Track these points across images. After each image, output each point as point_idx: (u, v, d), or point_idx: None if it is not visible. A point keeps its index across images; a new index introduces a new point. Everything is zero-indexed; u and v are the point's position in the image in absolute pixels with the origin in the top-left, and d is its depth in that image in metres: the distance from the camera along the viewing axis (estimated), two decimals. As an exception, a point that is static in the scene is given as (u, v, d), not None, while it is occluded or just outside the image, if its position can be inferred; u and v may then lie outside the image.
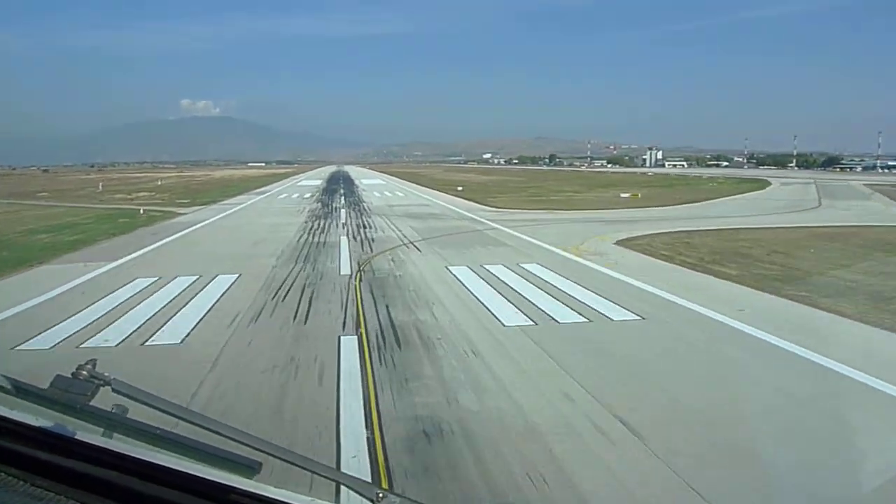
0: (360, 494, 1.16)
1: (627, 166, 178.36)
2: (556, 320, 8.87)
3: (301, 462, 1.18)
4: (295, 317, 9.19)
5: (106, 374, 1.20)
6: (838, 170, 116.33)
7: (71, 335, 8.12)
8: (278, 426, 5.34)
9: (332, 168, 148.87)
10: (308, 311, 9.50)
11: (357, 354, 7.41)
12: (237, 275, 12.49)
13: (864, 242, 17.49)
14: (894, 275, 12.60)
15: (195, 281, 11.88)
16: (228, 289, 11.24)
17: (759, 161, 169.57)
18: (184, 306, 9.87)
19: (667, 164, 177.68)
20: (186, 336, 8.20)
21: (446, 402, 5.90)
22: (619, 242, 17.05)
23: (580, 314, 9.18)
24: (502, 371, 6.78)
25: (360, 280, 12.01)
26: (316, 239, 18.34)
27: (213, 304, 10.01)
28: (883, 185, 52.56)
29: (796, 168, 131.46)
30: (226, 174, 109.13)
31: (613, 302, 9.88)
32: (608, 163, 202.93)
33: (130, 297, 10.54)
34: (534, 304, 9.84)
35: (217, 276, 12.43)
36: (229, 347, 7.69)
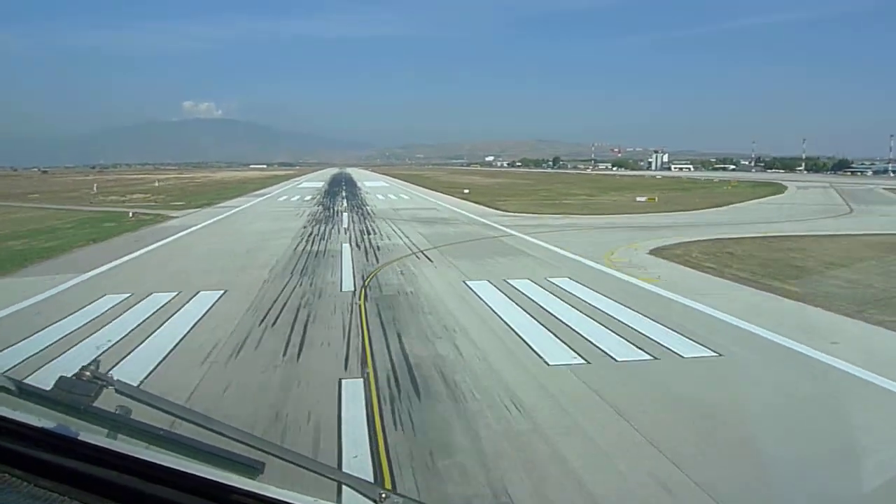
0: (363, 495, 1.16)
1: (633, 169, 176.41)
2: (611, 357, 7.07)
3: (303, 462, 1.18)
4: (286, 350, 7.41)
5: (109, 374, 1.19)
6: (849, 174, 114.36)
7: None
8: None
9: (334, 170, 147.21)
10: (302, 342, 7.72)
11: (363, 409, 5.64)
12: (222, 291, 10.74)
13: (927, 253, 15.69)
14: None
15: (172, 299, 10.13)
16: (209, 309, 9.48)
17: (766, 164, 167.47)
18: (152, 333, 8.12)
19: (673, 167, 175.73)
20: (146, 377, 6.46)
21: (494, 500, 4.12)
22: (653, 252, 15.26)
23: (639, 348, 7.38)
24: (561, 439, 5.00)
25: (365, 298, 10.23)
26: (315, 247, 16.57)
27: (188, 331, 8.24)
28: (904, 188, 50.65)
29: (805, 171, 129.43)
30: (226, 176, 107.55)
31: (674, 331, 8.09)
32: (613, 166, 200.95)
33: (91, 320, 8.79)
34: (578, 334, 8.05)
35: (199, 292, 10.68)
36: (198, 396, 5.93)
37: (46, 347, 7.39)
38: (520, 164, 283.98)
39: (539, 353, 7.20)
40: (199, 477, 1.10)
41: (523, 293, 10.50)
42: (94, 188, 53.93)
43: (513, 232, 19.60)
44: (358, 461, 4.63)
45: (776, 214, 27.95)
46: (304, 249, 16.05)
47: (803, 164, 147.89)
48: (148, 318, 8.93)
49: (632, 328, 8.26)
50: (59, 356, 7.06)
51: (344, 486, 1.19)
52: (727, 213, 28.80)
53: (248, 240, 18.24)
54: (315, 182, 70.02)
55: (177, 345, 7.61)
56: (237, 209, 31.19)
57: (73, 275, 12.31)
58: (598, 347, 7.39)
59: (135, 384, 1.21)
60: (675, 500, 4.12)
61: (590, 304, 9.73)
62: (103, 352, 7.23)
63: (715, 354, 7.15)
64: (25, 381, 1.20)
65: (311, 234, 19.75)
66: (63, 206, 35.13)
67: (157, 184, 66.90)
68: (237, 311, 9.29)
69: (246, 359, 7.13)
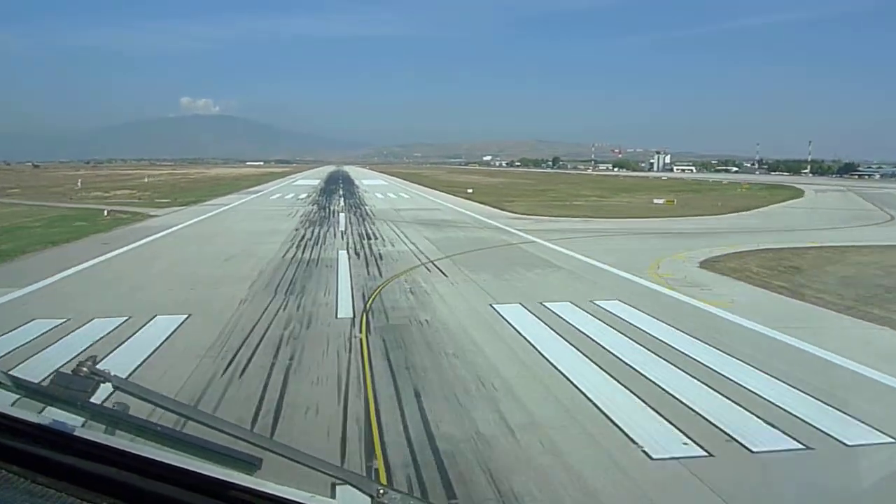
0: (360, 490, 1.15)
1: (633, 170, 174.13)
2: (743, 446, 4.72)
3: (301, 458, 1.17)
4: (253, 422, 5.08)
5: (106, 370, 1.18)
6: (856, 177, 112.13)
7: None
8: None
9: (331, 168, 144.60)
10: (278, 409, 5.38)
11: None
12: (185, 316, 8.42)
13: None
14: None
15: (117, 328, 7.82)
16: (160, 346, 7.15)
17: (770, 167, 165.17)
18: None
19: (675, 168, 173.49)
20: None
21: None
22: (704, 265, 12.98)
23: (771, 425, 5.05)
24: None
25: (368, 330, 7.91)
26: (307, 254, 14.22)
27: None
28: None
29: (811, 174, 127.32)
30: (221, 172, 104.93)
31: (802, 391, 5.80)
32: (614, 166, 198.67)
33: (-4, 360, 6.44)
34: (670, 396, 5.73)
35: (154, 317, 8.37)
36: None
37: None
38: (518, 163, 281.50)
39: (629, 434, 4.88)
40: (196, 473, 1.09)
41: (571, 324, 8.19)
42: (79, 183, 51.45)
43: (531, 238, 17.29)
44: None
45: (810, 220, 25.72)
46: (293, 257, 13.70)
47: (809, 167, 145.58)
48: (74, 356, 6.57)
49: (741, 386, 5.95)
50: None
51: (341, 482, 1.18)
52: (756, 217, 26.54)
53: (232, 244, 15.88)
54: (311, 180, 67.53)
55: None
56: (225, 207, 28.80)
57: (7, 290, 9.97)
58: (712, 423, 5.06)
59: None
60: None
61: (666, 343, 7.41)
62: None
63: (890, 439, 4.84)
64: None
65: (303, 237, 17.40)
66: (40, 203, 32.72)
67: (146, 179, 64.42)
68: (196, 350, 6.95)
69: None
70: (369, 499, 1.12)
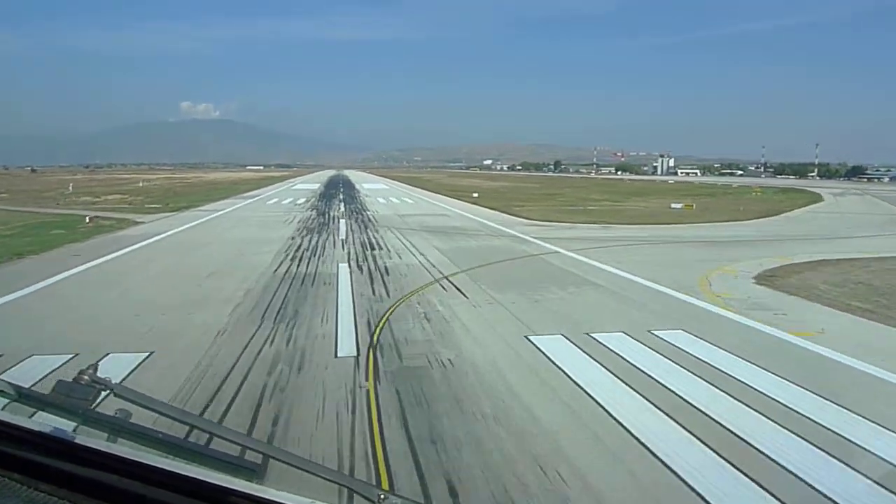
0: (362, 496, 1.16)
1: (637, 173, 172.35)
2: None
3: (302, 464, 1.18)
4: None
5: (107, 378, 1.18)
6: (865, 180, 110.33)
7: None
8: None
9: (331, 172, 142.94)
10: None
11: None
12: (146, 354, 6.67)
13: None
14: None
15: (56, 369, 6.05)
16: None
17: (776, 170, 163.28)
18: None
19: (679, 171, 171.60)
20: None
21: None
22: (761, 281, 11.23)
23: None
24: None
25: (377, 376, 6.14)
26: (302, 268, 12.47)
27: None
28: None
29: (818, 178, 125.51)
30: (218, 176, 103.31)
31: None
32: (617, 170, 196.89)
33: None
34: (803, 483, 3.98)
35: (107, 355, 6.64)
36: None
37: None
38: (520, 167, 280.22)
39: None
40: (198, 479, 1.08)
41: (635, 366, 6.42)
42: (70, 188, 49.81)
43: (552, 247, 15.54)
44: None
45: (844, 226, 23.95)
46: (287, 272, 11.94)
47: (816, 170, 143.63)
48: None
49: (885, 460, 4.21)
50: None
51: (343, 488, 1.18)
52: (786, 223, 24.80)
53: (218, 256, 14.13)
54: (310, 184, 65.78)
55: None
56: (219, 213, 27.07)
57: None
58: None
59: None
60: None
61: (764, 394, 5.63)
62: None
63: None
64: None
65: (299, 247, 15.64)
66: (24, 208, 31.06)
67: (141, 184, 62.72)
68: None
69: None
70: None
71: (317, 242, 16.68)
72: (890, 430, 4.88)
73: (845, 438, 4.71)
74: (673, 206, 32.20)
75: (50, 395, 1.16)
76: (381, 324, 8.08)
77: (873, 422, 5.03)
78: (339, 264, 12.98)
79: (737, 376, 6.16)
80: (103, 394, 1.17)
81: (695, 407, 5.37)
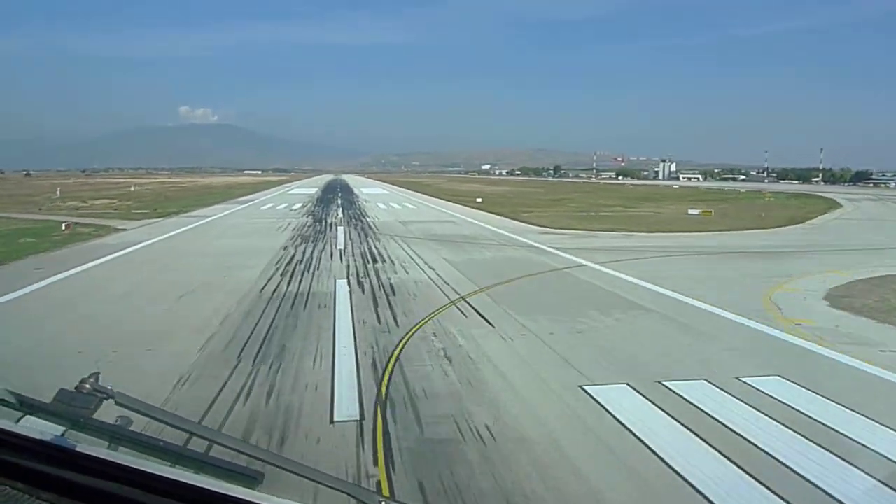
0: (362, 502, 1.16)
1: (637, 178, 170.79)
2: None
3: (303, 471, 1.18)
4: None
5: (109, 387, 1.17)
6: (871, 185, 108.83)
7: None
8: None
9: (329, 176, 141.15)
10: None
11: None
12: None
13: None
14: None
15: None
16: None
17: (779, 175, 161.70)
18: None
19: (681, 176, 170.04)
20: None
21: None
22: (836, 303, 9.50)
23: None
24: None
25: (389, 456, 4.36)
26: (294, 286, 10.70)
27: None
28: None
29: (822, 183, 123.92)
30: (214, 181, 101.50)
31: None
32: (617, 175, 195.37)
33: None
34: None
35: (24, 417, 4.77)
36: None
37: None
38: (519, 172, 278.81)
39: None
40: (199, 487, 1.09)
41: (739, 434, 4.67)
42: (58, 192, 47.95)
43: (576, 258, 13.81)
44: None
45: (883, 235, 22.25)
46: (276, 292, 10.17)
47: (820, 175, 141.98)
48: None
49: None
50: None
51: (343, 495, 1.17)
52: (818, 232, 23.05)
53: (199, 270, 12.36)
54: (307, 188, 63.98)
55: None
56: (208, 219, 25.29)
57: None
58: None
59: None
60: None
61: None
62: None
63: None
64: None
65: (291, 259, 13.88)
66: (2, 214, 29.25)
67: (133, 188, 60.93)
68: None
69: None
70: None
71: (312, 253, 14.92)
72: None
73: None
74: (690, 212, 30.51)
75: (52, 404, 1.16)
76: (389, 367, 6.31)
77: None
78: (337, 280, 11.23)
79: (878, 449, 4.43)
80: (105, 403, 1.15)
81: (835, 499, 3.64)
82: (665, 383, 5.79)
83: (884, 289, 10.64)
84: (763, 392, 5.61)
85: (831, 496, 3.75)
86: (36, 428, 1.16)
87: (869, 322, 8.38)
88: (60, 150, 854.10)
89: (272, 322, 8.13)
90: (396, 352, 6.81)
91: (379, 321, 8.23)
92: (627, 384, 5.78)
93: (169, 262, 13.57)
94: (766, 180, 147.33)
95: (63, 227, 20.39)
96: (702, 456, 4.35)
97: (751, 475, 4.01)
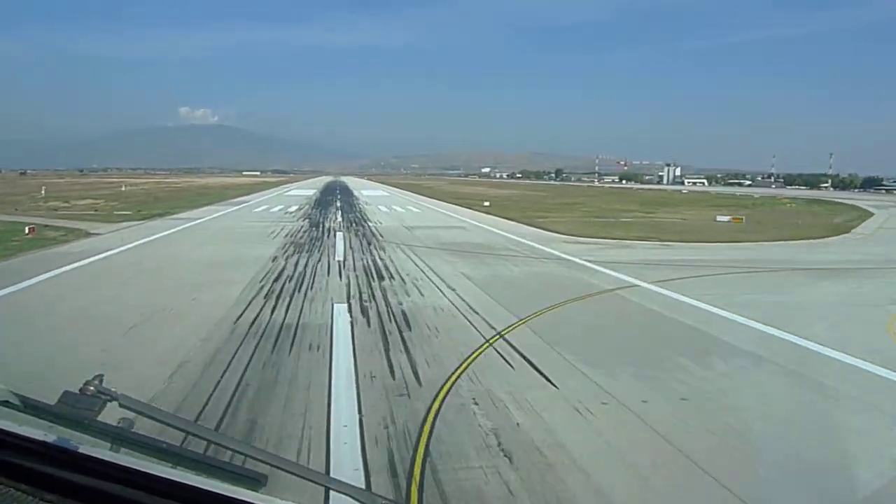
0: None
1: (641, 182, 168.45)
2: None
3: (306, 474, 1.18)
4: None
5: (113, 389, 1.16)
6: (884, 191, 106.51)
7: None
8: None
9: (328, 178, 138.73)
10: None
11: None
12: None
13: None
14: None
15: None
16: None
17: (786, 180, 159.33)
18: None
19: (686, 181, 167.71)
20: None
21: None
22: None
23: None
24: None
25: None
26: (279, 314, 8.34)
27: None
28: None
29: (832, 189, 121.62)
30: (210, 181, 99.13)
31: None
32: (621, 179, 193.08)
33: None
34: None
35: None
36: None
37: None
38: (520, 175, 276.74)
39: None
40: (202, 489, 1.08)
41: None
42: (43, 191, 45.61)
43: (623, 276, 11.50)
44: None
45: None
46: (254, 322, 7.81)
47: (829, 181, 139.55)
48: None
49: None
50: None
51: (345, 497, 1.15)
52: (873, 243, 20.70)
53: (164, 289, 10.01)
54: (305, 190, 61.62)
55: None
56: (194, 223, 22.94)
57: None
58: None
59: None
60: None
61: None
62: None
63: None
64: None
65: (280, 274, 11.53)
66: (-27, 214, 26.93)
67: (123, 188, 58.60)
68: None
69: None
70: None
71: (305, 266, 12.58)
72: None
73: None
74: (719, 219, 28.20)
75: (56, 406, 1.15)
76: (416, 472, 3.96)
77: None
78: (335, 305, 8.89)
79: None
80: (108, 405, 1.14)
81: None
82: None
83: None
84: None
85: None
86: (39, 430, 1.15)
87: None
88: (60, 150, 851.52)
89: (242, 376, 5.78)
90: (424, 438, 4.47)
91: (393, 374, 5.88)
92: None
93: (133, 277, 11.24)
94: (773, 185, 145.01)
95: (26, 231, 18.04)
96: None
97: None
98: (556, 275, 12.06)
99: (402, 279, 11.20)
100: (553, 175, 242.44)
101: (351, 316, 8.25)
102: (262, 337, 7.12)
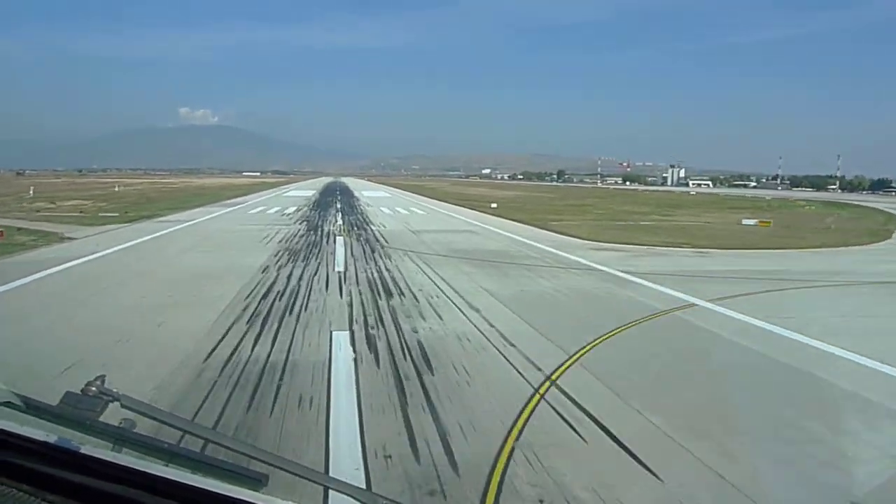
0: None
1: (644, 184, 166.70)
2: None
3: (306, 474, 1.16)
4: None
5: (115, 389, 1.14)
6: (894, 194, 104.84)
7: None
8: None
9: (328, 179, 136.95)
10: None
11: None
12: None
13: None
14: None
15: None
16: None
17: (793, 182, 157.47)
18: None
19: (691, 182, 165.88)
20: None
21: None
22: None
23: None
24: None
25: None
26: (262, 347, 6.56)
27: None
28: None
29: (840, 191, 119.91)
30: (208, 182, 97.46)
31: None
32: (624, 180, 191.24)
33: None
34: None
35: None
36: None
37: None
38: (521, 176, 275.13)
39: None
40: (203, 490, 1.07)
41: None
42: (31, 191, 43.92)
43: (674, 293, 9.76)
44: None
45: None
46: (229, 361, 6.03)
47: (837, 183, 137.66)
48: None
49: None
50: None
51: (346, 497, 1.14)
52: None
53: (128, 309, 8.26)
54: (304, 191, 59.90)
55: None
56: (181, 226, 21.17)
57: None
58: None
59: None
60: None
61: None
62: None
63: None
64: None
65: (269, 290, 9.76)
66: (-52, 216, 25.22)
67: (116, 189, 56.90)
68: None
69: None
70: None
71: (300, 278, 10.82)
72: None
73: None
74: (745, 222, 26.48)
75: (58, 407, 1.14)
76: None
77: None
78: (334, 334, 7.13)
79: None
80: (110, 405, 1.12)
81: None
82: None
83: None
84: None
85: None
86: (41, 430, 1.14)
87: None
88: (60, 150, 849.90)
89: (201, 456, 4.03)
90: None
91: (416, 453, 4.11)
92: None
93: (93, 294, 9.47)
94: (779, 187, 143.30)
95: (-7, 236, 16.29)
96: None
97: None
98: (594, 290, 10.30)
99: (415, 296, 9.44)
100: (555, 176, 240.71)
101: (354, 350, 6.49)
102: (236, 386, 5.34)
